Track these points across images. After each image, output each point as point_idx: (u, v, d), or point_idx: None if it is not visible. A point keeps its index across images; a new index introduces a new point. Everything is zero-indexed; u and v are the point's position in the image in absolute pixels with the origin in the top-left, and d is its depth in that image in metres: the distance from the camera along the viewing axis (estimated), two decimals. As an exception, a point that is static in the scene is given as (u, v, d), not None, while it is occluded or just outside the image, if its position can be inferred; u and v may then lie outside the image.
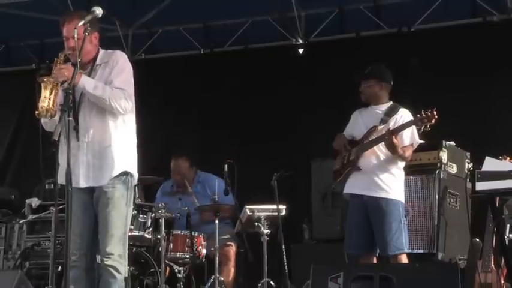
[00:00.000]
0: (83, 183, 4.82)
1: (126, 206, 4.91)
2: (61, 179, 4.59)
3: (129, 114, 4.96)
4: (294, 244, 7.39)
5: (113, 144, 4.87)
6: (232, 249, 7.20)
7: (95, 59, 4.95)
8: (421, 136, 5.99)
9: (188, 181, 7.48)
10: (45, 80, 4.67)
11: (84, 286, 4.85)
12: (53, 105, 4.65)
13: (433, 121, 5.77)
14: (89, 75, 4.88)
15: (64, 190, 4.48)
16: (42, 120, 4.82)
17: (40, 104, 4.66)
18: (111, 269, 4.78)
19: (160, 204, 6.80)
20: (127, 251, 4.92)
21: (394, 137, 5.86)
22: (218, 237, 6.70)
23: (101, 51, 5.01)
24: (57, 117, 4.65)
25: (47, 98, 4.65)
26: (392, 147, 5.88)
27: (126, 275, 4.91)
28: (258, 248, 6.72)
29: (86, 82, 4.76)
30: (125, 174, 4.91)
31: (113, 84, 4.85)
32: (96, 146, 4.86)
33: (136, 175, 5.02)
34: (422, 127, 5.81)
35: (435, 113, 5.75)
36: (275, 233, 6.77)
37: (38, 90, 4.68)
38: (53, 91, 4.67)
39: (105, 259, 4.79)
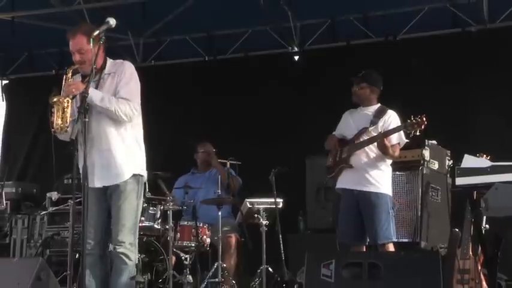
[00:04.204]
0: (97, 184, 4.82)
1: (136, 199, 4.90)
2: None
3: (136, 119, 4.92)
4: (290, 234, 7.38)
5: (118, 149, 4.82)
6: (233, 239, 7.20)
7: (102, 68, 4.85)
8: (406, 135, 5.98)
9: (210, 161, 7.61)
10: (55, 100, 4.64)
11: (99, 271, 4.86)
12: (67, 122, 4.64)
13: (422, 126, 5.75)
14: (97, 84, 4.79)
15: (81, 185, 4.49)
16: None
17: (55, 122, 4.65)
18: (122, 256, 4.79)
19: (169, 198, 6.81)
20: (137, 240, 4.93)
21: (385, 139, 5.86)
22: (221, 228, 6.72)
23: (109, 61, 4.92)
24: (70, 128, 4.66)
25: (59, 117, 4.64)
26: (384, 148, 5.88)
27: (137, 262, 4.91)
28: (257, 237, 6.74)
29: (93, 95, 4.66)
30: (134, 175, 4.89)
31: (119, 94, 4.79)
32: (104, 153, 4.81)
33: (145, 174, 5.00)
34: (413, 132, 5.79)
35: (424, 119, 5.73)
36: (273, 224, 6.79)
37: (51, 110, 4.66)
38: (65, 109, 4.64)
39: (117, 247, 4.79)
